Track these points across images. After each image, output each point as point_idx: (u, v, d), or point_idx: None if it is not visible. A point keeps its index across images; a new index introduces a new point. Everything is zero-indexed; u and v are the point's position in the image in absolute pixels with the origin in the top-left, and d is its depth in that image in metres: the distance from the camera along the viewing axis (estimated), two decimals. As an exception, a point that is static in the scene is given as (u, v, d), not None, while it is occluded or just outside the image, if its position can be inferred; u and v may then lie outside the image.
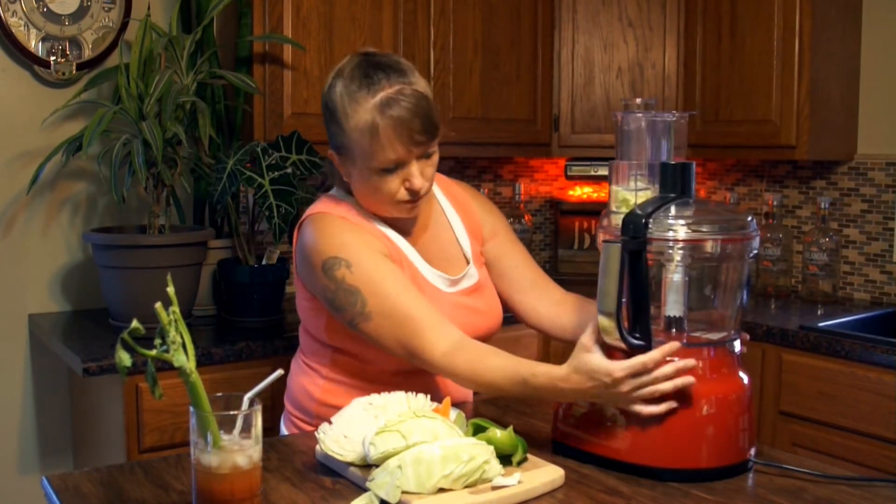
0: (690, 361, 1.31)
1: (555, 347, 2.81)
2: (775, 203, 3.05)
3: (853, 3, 2.91)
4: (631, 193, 1.39)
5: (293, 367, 1.77)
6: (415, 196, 1.55)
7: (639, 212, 1.31)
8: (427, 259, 1.64)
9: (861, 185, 2.95)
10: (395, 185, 1.53)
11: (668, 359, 1.31)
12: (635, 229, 1.30)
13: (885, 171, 2.89)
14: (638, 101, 1.45)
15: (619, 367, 1.29)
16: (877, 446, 2.29)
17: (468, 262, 1.71)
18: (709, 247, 1.33)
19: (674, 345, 1.31)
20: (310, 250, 1.56)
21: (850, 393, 2.34)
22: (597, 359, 1.32)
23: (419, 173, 1.53)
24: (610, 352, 1.34)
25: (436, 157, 1.57)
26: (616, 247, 1.29)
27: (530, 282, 1.75)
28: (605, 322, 1.31)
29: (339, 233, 1.55)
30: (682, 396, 1.31)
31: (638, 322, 1.32)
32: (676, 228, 1.32)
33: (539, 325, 1.75)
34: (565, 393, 1.36)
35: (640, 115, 1.42)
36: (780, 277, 3.02)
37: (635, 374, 1.29)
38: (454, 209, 1.74)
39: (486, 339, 1.67)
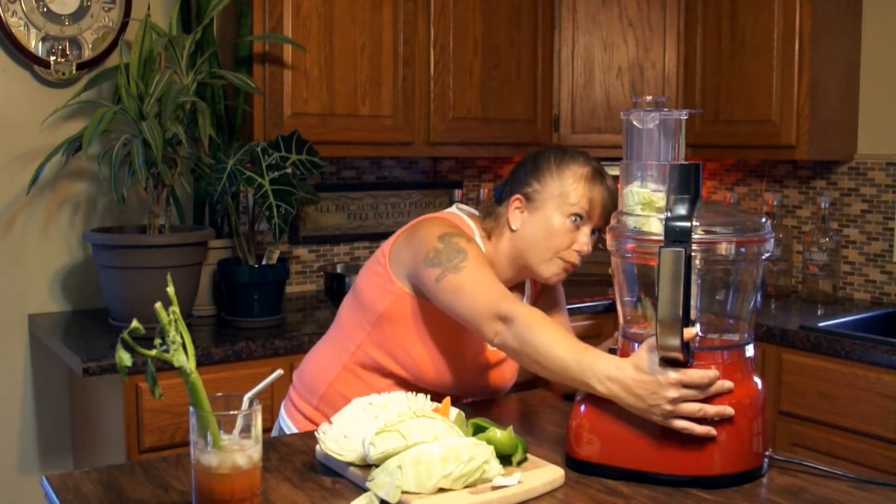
0: (729, 383, 1.31)
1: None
2: (775, 203, 3.05)
3: (853, 3, 2.91)
4: (658, 196, 1.36)
5: (316, 348, 1.80)
6: (579, 259, 1.67)
7: (682, 214, 1.26)
8: None
9: (861, 185, 2.95)
10: (569, 239, 1.66)
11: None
12: (682, 233, 1.24)
13: (885, 171, 2.89)
14: (649, 98, 1.43)
15: (676, 370, 1.28)
16: (877, 446, 2.29)
17: None
18: (723, 249, 1.31)
19: (717, 374, 1.30)
20: (430, 225, 1.64)
21: (850, 393, 2.34)
22: (655, 357, 1.30)
23: (589, 243, 1.67)
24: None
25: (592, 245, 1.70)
26: (673, 252, 1.22)
27: None
28: (666, 331, 1.25)
29: (464, 228, 1.68)
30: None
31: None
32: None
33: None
34: (613, 381, 1.32)
35: (655, 113, 1.41)
36: (780, 277, 3.02)
37: (689, 385, 1.28)
38: (530, 283, 1.83)
39: (511, 380, 1.77)
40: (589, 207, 1.65)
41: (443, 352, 1.65)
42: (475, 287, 1.52)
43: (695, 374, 1.28)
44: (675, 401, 1.28)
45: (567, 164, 1.68)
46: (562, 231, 1.65)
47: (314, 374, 1.74)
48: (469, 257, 1.55)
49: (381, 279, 1.67)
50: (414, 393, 1.43)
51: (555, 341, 1.40)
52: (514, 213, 1.69)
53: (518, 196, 1.69)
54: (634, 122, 1.41)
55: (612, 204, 1.67)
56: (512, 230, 1.69)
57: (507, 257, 1.70)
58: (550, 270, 1.67)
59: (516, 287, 1.79)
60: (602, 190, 1.67)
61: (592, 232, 1.69)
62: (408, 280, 1.64)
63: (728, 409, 1.30)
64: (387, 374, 1.67)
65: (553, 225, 1.65)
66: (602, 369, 1.33)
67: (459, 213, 1.75)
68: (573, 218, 1.65)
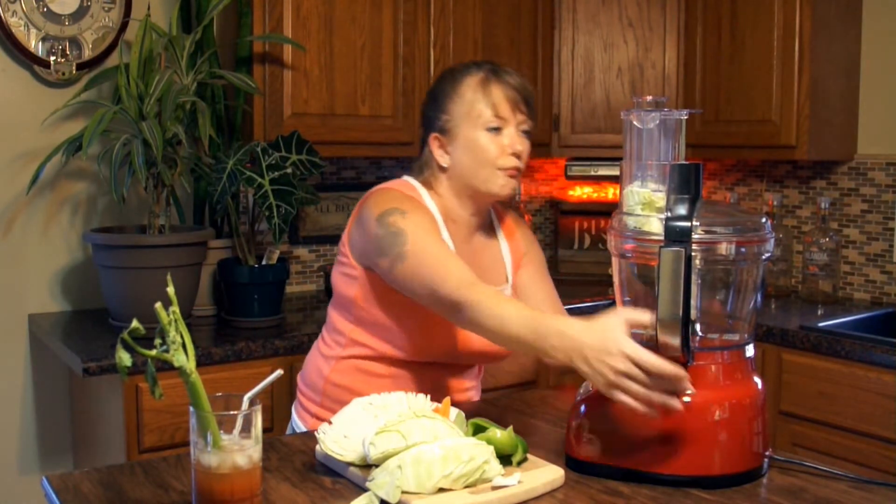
0: (689, 389, 1.27)
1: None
2: (775, 203, 3.05)
3: (853, 3, 2.91)
4: (658, 196, 1.36)
5: (312, 349, 1.83)
6: (517, 161, 1.65)
7: (682, 214, 1.26)
8: (469, 264, 1.68)
9: (861, 185, 2.95)
10: (497, 148, 1.65)
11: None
12: (682, 233, 1.24)
13: (885, 171, 2.89)
14: (649, 98, 1.43)
15: (633, 347, 1.24)
16: (877, 446, 2.29)
17: (507, 281, 1.77)
18: (723, 249, 1.31)
19: (683, 373, 1.27)
20: (371, 204, 1.64)
21: (850, 393, 2.34)
22: (620, 327, 1.27)
23: (520, 141, 1.66)
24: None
25: (529, 144, 1.69)
26: (673, 252, 1.23)
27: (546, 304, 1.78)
28: (666, 331, 1.24)
29: (403, 194, 1.67)
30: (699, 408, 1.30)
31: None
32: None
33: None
34: (565, 340, 1.31)
35: (655, 113, 1.41)
36: (780, 277, 3.02)
37: (640, 365, 1.23)
38: (503, 232, 1.83)
39: (505, 356, 1.74)
40: (497, 112, 1.64)
41: (423, 319, 1.64)
42: (422, 273, 1.52)
43: (650, 359, 1.23)
44: (619, 373, 1.24)
45: (459, 80, 1.68)
46: (486, 144, 1.64)
47: (313, 373, 1.77)
48: (409, 238, 1.55)
49: (346, 268, 1.69)
50: (414, 393, 1.43)
51: (505, 319, 1.40)
52: (438, 152, 1.70)
53: (434, 135, 1.70)
54: (634, 122, 1.41)
55: (521, 94, 1.67)
56: (444, 169, 1.70)
57: (455, 196, 1.70)
58: (497, 184, 1.66)
59: (486, 229, 1.78)
60: (501, 87, 1.65)
61: (520, 130, 1.67)
62: (367, 262, 1.65)
63: (675, 404, 1.25)
64: (380, 356, 1.68)
65: (476, 143, 1.65)
66: (555, 327, 1.33)
67: (406, 179, 1.75)
68: (489, 129, 1.64)
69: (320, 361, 1.75)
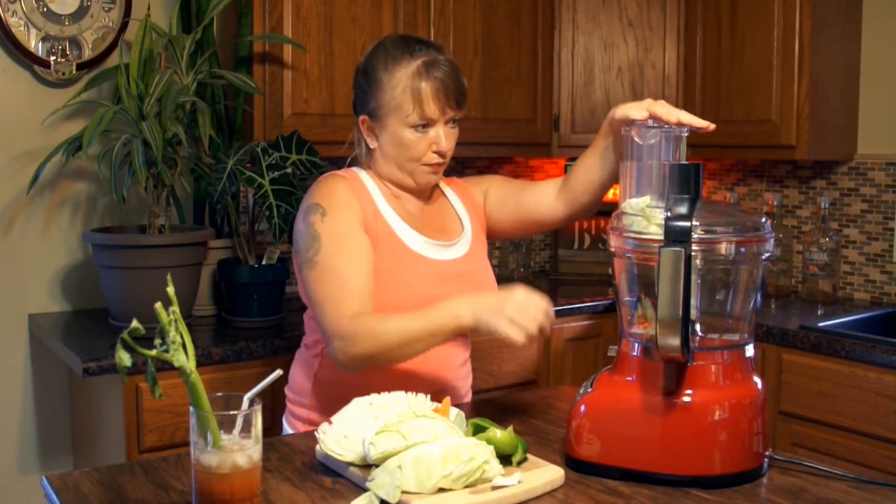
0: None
1: (555, 348, 2.81)
2: (775, 203, 3.05)
3: (853, 3, 2.91)
4: (657, 212, 1.36)
5: (295, 359, 1.84)
6: (440, 158, 1.67)
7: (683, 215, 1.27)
8: (422, 231, 1.71)
9: (861, 185, 2.95)
10: (423, 146, 1.65)
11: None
12: (682, 233, 1.24)
13: (885, 171, 2.89)
14: (651, 122, 1.45)
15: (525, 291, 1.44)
16: (877, 446, 2.29)
17: (463, 228, 1.79)
18: (723, 249, 1.31)
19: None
20: (308, 192, 1.69)
21: (850, 393, 2.34)
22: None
23: (445, 137, 1.66)
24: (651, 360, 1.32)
25: (457, 130, 1.69)
26: (673, 252, 1.23)
27: (529, 186, 1.83)
28: (666, 331, 1.25)
29: (333, 186, 1.67)
30: (698, 404, 1.31)
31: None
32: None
33: (556, 208, 1.78)
34: (461, 305, 1.46)
35: (655, 129, 1.41)
36: (780, 277, 3.02)
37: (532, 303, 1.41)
38: (456, 193, 1.85)
39: None
40: (424, 114, 1.62)
41: (392, 282, 1.64)
42: (321, 292, 1.57)
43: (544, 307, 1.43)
44: (513, 309, 1.40)
45: (391, 69, 1.64)
46: (412, 143, 1.65)
47: (299, 377, 1.78)
48: (322, 247, 1.58)
49: None
50: (414, 393, 1.43)
51: (395, 321, 1.49)
52: (367, 133, 1.71)
53: (363, 117, 1.71)
54: (635, 139, 1.42)
55: (452, 91, 1.63)
56: (371, 149, 1.72)
57: (389, 175, 1.72)
58: (422, 178, 1.69)
59: (433, 193, 1.79)
60: (432, 85, 1.62)
61: (451, 123, 1.67)
62: None
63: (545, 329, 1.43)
64: None
65: (401, 140, 1.65)
66: (446, 302, 1.48)
67: (352, 168, 1.75)
68: (416, 128, 1.64)
69: (306, 363, 1.77)
